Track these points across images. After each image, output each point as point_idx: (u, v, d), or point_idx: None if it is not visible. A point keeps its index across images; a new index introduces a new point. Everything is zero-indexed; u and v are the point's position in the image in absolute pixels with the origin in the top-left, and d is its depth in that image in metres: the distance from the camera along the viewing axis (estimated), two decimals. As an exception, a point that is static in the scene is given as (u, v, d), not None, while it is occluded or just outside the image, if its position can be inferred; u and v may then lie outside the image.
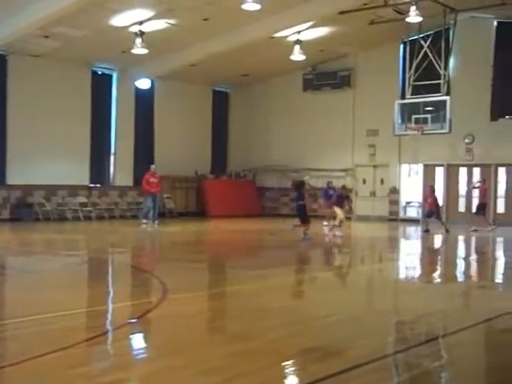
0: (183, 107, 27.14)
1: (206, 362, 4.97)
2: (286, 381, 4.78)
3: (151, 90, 26.04)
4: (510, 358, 5.45)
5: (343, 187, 20.33)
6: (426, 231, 19.58)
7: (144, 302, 7.61)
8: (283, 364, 5.03)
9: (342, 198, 19.00)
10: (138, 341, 6.00)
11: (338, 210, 18.26)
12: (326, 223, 20.10)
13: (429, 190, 20.85)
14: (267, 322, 6.54)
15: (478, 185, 21.93)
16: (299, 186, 16.98)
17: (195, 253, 14.00)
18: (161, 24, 20.12)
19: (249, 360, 5.10)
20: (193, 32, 20.88)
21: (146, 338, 6.11)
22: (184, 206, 27.14)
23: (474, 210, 22.22)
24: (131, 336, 6.05)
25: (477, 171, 24.31)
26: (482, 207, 21.09)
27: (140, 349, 5.73)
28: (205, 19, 19.86)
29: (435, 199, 20.26)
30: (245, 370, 4.80)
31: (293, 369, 5.02)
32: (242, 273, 10.36)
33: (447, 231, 19.53)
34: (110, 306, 7.69)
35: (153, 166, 22.08)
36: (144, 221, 21.02)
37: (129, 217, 24.26)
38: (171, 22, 20.02)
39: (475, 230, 20.04)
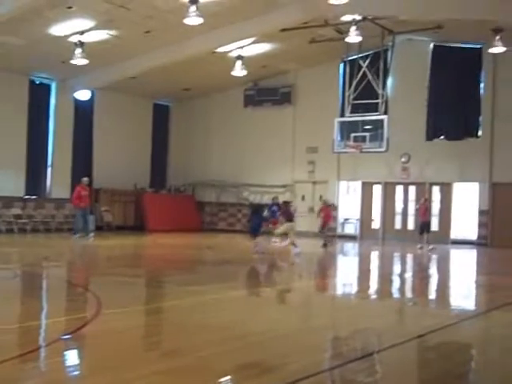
0: (123, 120, 26.87)
1: (137, 380, 4.86)
2: (219, 398, 4.73)
3: (91, 102, 25.69)
4: (440, 372, 5.54)
5: (285, 202, 20.28)
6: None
7: (77, 318, 7.44)
8: (217, 381, 4.97)
9: (289, 212, 18.89)
10: (69, 358, 5.84)
11: (286, 225, 18.14)
12: (274, 239, 19.96)
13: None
14: (202, 338, 6.47)
15: (422, 201, 21.54)
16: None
17: (131, 267, 13.79)
18: (102, 35, 19.89)
19: (181, 377, 5.02)
20: (134, 44, 20.75)
21: (77, 355, 5.96)
22: (122, 219, 26.77)
23: (417, 229, 21.98)
24: (63, 353, 5.89)
25: (412, 189, 24.86)
26: (425, 226, 21.13)
27: (71, 366, 5.57)
28: (146, 32, 19.76)
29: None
30: (178, 387, 4.73)
31: (227, 386, 4.97)
32: (179, 288, 10.25)
33: (325, 245, 19.84)
34: (43, 322, 7.47)
35: (85, 179, 21.52)
36: (77, 235, 20.49)
37: (65, 230, 23.75)
38: (112, 33, 19.83)
39: (432, 249, 20.08)
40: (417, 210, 22.44)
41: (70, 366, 5.55)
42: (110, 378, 4.94)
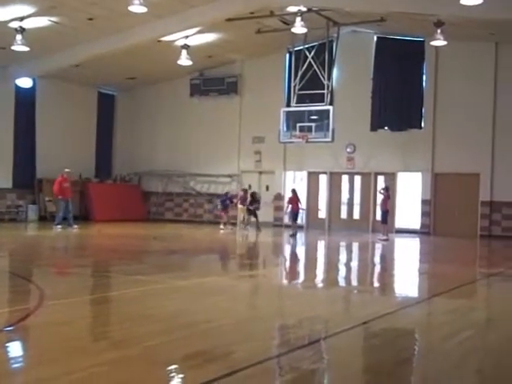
0: (67, 109, 26.38)
1: (78, 372, 4.78)
2: (165, 388, 4.70)
3: (33, 90, 25.14)
4: (383, 358, 5.64)
5: (243, 189, 23.66)
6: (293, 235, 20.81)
7: (19, 309, 7.28)
8: (162, 371, 4.95)
9: (245, 197, 22.42)
10: (11, 350, 5.71)
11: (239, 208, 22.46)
12: (222, 227, 22.52)
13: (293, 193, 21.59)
14: (148, 328, 6.43)
15: (382, 191, 21.47)
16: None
17: (76, 258, 13.61)
18: (43, 21, 19.44)
19: (126, 368, 4.97)
20: (77, 31, 20.37)
21: (20, 347, 5.85)
22: (67, 209, 26.28)
23: (379, 218, 22.06)
24: (5, 345, 5.76)
25: (358, 179, 25.19)
26: (386, 215, 21.22)
27: (13, 358, 5.46)
28: (90, 19, 19.41)
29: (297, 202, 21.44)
30: (121, 378, 4.68)
31: (172, 375, 4.95)
32: (125, 278, 10.16)
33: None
34: (-17, 314, 7.30)
35: (66, 170, 21.56)
36: (59, 226, 20.79)
37: (7, 220, 23.24)
38: (54, 19, 19.40)
39: (385, 240, 20.17)
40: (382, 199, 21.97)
41: (12, 359, 5.43)
42: (54, 370, 4.86)
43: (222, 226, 23.03)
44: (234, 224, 22.86)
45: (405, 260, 16.33)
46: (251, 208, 22.52)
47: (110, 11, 18.83)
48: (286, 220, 23.36)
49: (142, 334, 6.13)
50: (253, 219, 22.73)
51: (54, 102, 25.84)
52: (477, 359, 5.72)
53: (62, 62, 22.86)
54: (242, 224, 22.99)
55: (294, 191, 21.62)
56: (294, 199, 21.35)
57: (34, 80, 24.85)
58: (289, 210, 21.55)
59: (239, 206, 23.14)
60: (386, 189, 21.41)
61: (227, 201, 23.54)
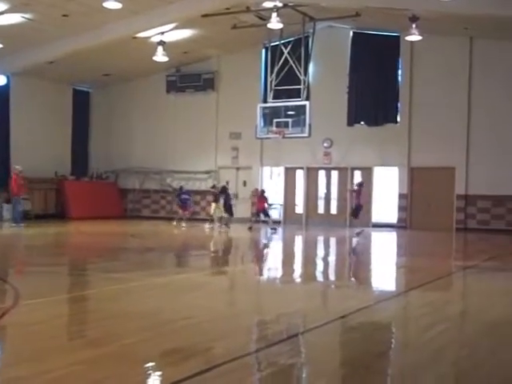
0: (42, 106, 26.12)
1: (55, 371, 4.75)
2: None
3: (7, 87, 24.82)
4: (360, 352, 5.68)
5: (213, 186, 23.49)
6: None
7: (-6, 309, 7.21)
8: (140, 368, 4.93)
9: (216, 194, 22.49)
10: (-14, 350, 5.67)
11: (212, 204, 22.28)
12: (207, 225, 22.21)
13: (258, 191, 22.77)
14: (126, 325, 6.41)
15: (355, 188, 21.41)
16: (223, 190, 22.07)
17: (52, 256, 13.50)
18: (16, 18, 19.22)
19: (103, 366, 4.94)
20: (51, 28, 20.18)
21: (-5, 347, 5.79)
22: (43, 208, 26.08)
23: (351, 212, 22.05)
24: (-21, 345, 5.71)
25: (335, 174, 25.28)
26: (359, 209, 21.13)
27: (-12, 358, 5.42)
28: (64, 15, 19.24)
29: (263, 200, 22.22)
30: (97, 377, 4.65)
31: (150, 373, 4.94)
32: (102, 276, 10.10)
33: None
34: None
35: (17, 167, 21.35)
36: (21, 224, 20.62)
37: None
38: (27, 16, 19.20)
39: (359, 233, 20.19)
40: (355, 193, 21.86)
41: (-13, 359, 5.39)
42: (31, 369, 4.82)
43: (175, 223, 22.86)
44: (212, 221, 22.71)
45: (382, 254, 16.45)
46: (227, 203, 22.33)
47: (84, 7, 18.67)
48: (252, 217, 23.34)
49: (119, 332, 6.10)
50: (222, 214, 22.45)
51: (29, 99, 25.57)
52: (452, 351, 5.78)
53: (36, 59, 22.65)
54: (218, 222, 22.68)
55: (262, 191, 22.54)
56: (260, 199, 22.13)
57: (7, 77, 24.55)
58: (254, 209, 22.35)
59: (213, 204, 22.82)
60: (361, 184, 21.57)
61: (183, 195, 23.36)
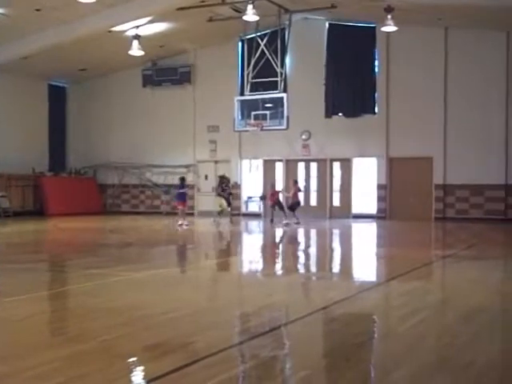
0: (17, 102, 25.88)
1: (37, 368, 4.71)
2: (121, 381, 4.64)
3: (-20, 84, 24.56)
4: (342, 342, 5.70)
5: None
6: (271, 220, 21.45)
7: (-27, 308, 7.13)
8: (122, 364, 4.91)
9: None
10: (-35, 349, 5.60)
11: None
12: (180, 222, 20.21)
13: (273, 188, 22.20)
14: (106, 321, 6.36)
15: (293, 190, 21.79)
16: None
17: (31, 253, 13.36)
18: (-11, 13, 19.01)
19: (83, 362, 4.90)
20: (24, 23, 19.96)
21: (-26, 346, 5.72)
22: (21, 204, 25.88)
23: (287, 206, 22.16)
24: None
25: (314, 166, 25.33)
26: (296, 205, 21.55)
27: (-33, 358, 5.35)
28: (37, 9, 19.02)
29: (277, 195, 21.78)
30: (78, 372, 4.61)
31: (131, 368, 4.91)
32: (81, 272, 10.03)
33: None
34: None
35: None
36: None
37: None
38: (0, 11, 18.96)
39: (287, 224, 20.40)
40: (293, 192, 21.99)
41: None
42: (13, 365, 4.78)
43: (180, 222, 20.35)
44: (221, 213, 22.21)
45: (362, 245, 16.52)
46: (226, 195, 22.04)
47: (57, 1, 18.48)
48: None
49: (100, 328, 6.06)
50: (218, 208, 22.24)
51: (3, 96, 25.32)
52: (432, 340, 5.82)
53: (9, 55, 22.39)
54: (219, 215, 22.01)
55: (295, 182, 22.23)
56: (274, 193, 21.93)
57: (-19, 73, 24.29)
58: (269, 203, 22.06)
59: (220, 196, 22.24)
60: (296, 182, 22.07)
61: (181, 190, 21.34)
